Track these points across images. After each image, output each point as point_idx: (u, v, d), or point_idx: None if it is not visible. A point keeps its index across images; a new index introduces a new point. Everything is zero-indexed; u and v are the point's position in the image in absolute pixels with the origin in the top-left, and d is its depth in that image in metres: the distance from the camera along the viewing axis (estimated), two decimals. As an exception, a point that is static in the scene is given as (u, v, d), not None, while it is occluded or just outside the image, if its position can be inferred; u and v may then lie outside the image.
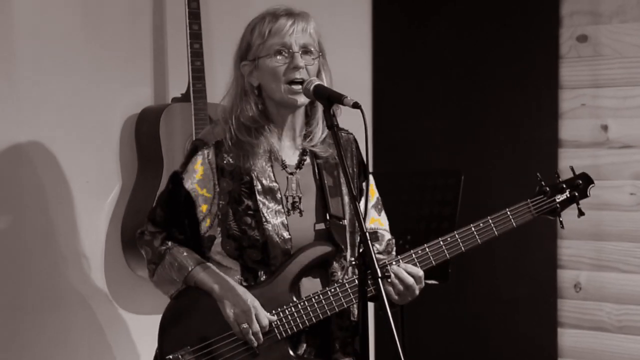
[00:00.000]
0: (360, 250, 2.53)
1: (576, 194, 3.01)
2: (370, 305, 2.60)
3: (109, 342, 3.84)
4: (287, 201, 2.88)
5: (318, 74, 2.85)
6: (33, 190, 3.63)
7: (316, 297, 2.82)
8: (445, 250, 2.90)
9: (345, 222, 2.91)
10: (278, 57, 2.81)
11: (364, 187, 2.99)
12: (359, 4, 4.81)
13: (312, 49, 2.83)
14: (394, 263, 2.84)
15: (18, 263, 3.58)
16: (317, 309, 2.82)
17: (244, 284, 2.86)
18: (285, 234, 2.84)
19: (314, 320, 2.83)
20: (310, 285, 2.87)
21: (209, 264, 2.90)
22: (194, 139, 3.47)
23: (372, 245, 2.53)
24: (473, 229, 2.91)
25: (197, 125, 3.75)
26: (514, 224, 2.93)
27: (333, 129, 2.65)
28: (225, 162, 2.87)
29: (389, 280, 2.79)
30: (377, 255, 2.93)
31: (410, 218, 3.82)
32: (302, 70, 2.80)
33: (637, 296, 4.24)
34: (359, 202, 2.62)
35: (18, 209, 3.60)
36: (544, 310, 4.41)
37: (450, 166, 4.24)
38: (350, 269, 2.92)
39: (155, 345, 2.93)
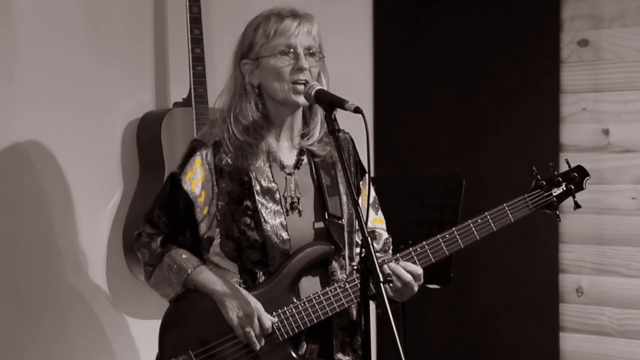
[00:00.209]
0: (362, 254, 2.53)
1: (572, 186, 3.01)
2: (371, 305, 2.60)
3: (110, 347, 3.84)
4: (285, 201, 2.88)
5: (318, 77, 2.86)
6: (35, 194, 3.63)
7: (316, 298, 2.83)
8: (444, 247, 2.90)
9: (344, 221, 2.91)
10: (283, 57, 2.81)
11: (361, 186, 2.99)
12: (360, 7, 4.81)
13: (316, 51, 2.84)
14: (393, 261, 2.85)
15: (19, 267, 3.58)
16: (318, 310, 2.82)
17: (243, 285, 2.86)
18: (284, 235, 2.84)
19: (315, 321, 2.83)
20: (310, 284, 2.87)
21: (209, 265, 2.90)
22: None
23: (371, 239, 2.54)
24: (471, 224, 2.92)
25: (198, 130, 3.76)
26: (512, 218, 2.94)
27: (335, 133, 2.66)
28: (223, 162, 2.86)
29: (391, 285, 2.80)
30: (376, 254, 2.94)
31: (412, 222, 3.83)
32: (306, 72, 2.81)
33: (639, 301, 4.24)
34: (359, 206, 2.61)
35: (20, 213, 3.60)
36: (545, 315, 4.41)
37: (452, 170, 4.24)
38: (349, 267, 2.92)
39: (156, 348, 2.93)
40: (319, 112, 2.91)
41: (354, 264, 2.90)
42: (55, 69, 3.66)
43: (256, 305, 2.81)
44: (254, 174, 2.86)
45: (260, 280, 2.86)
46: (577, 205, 3.02)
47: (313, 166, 2.94)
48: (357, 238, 2.96)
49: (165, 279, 2.90)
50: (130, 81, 3.88)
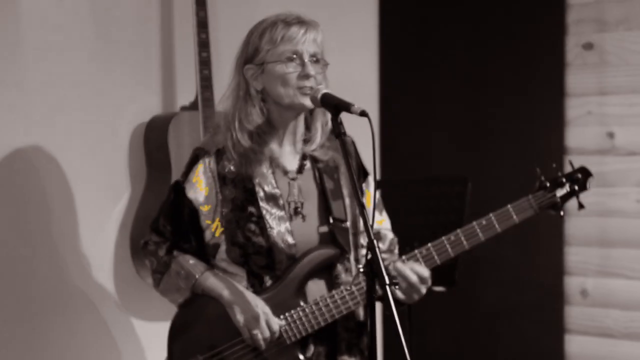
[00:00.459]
0: (368, 256, 2.54)
1: (576, 187, 3.02)
2: (378, 306, 2.61)
3: (118, 349, 3.85)
4: (289, 207, 2.89)
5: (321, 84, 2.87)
6: (43, 197, 3.64)
7: (323, 301, 2.84)
8: (449, 248, 2.91)
9: (348, 224, 2.92)
10: (289, 63, 2.81)
11: (364, 188, 2.99)
12: (365, 11, 4.82)
13: (320, 59, 2.85)
14: (400, 261, 2.86)
15: (28, 270, 3.60)
16: (325, 312, 2.84)
17: (250, 289, 2.87)
18: (290, 240, 2.86)
19: (322, 323, 2.84)
20: (316, 288, 2.89)
21: (215, 270, 2.91)
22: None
23: (377, 242, 2.55)
24: (476, 225, 2.93)
25: (205, 134, 3.77)
26: (516, 219, 2.95)
27: (341, 137, 2.67)
28: (226, 170, 2.88)
29: (397, 287, 2.81)
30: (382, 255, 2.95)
31: (417, 225, 3.83)
32: (312, 79, 2.81)
33: (644, 303, 4.26)
34: (365, 209, 2.62)
35: (28, 217, 3.61)
36: (550, 317, 4.42)
37: (457, 173, 4.24)
38: (355, 269, 2.94)
39: (165, 352, 2.95)
40: (320, 118, 2.92)
41: (360, 266, 2.91)
42: (63, 73, 3.67)
43: (264, 308, 2.82)
44: (257, 180, 2.87)
45: (267, 285, 2.87)
46: (580, 206, 3.02)
47: (316, 171, 2.95)
48: (363, 240, 2.97)
49: (173, 285, 2.92)
50: (138, 85, 3.89)
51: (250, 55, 2.87)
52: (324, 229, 2.90)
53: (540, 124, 4.42)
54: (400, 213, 3.22)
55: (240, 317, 2.84)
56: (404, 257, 2.90)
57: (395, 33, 4.83)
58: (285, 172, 2.91)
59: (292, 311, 2.85)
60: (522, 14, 4.47)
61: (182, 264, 2.90)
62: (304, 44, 2.82)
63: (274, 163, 2.90)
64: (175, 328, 2.93)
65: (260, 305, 2.82)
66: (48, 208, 3.66)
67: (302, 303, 2.86)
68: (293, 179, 2.91)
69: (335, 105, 2.71)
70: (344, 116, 2.71)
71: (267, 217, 2.85)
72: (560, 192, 3.01)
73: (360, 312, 2.93)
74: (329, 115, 2.85)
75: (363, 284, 2.81)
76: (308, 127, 2.95)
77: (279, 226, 2.85)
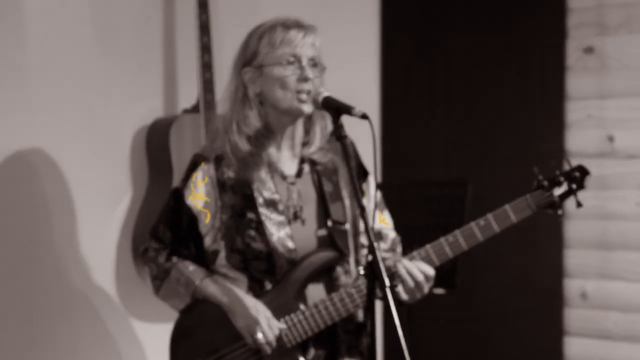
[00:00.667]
0: (369, 259, 2.55)
1: (574, 185, 3.01)
2: (378, 308, 2.63)
3: (119, 351, 3.86)
4: (288, 211, 2.90)
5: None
6: (45, 199, 3.65)
7: (323, 304, 2.84)
8: (448, 249, 2.91)
9: (347, 226, 2.93)
10: (288, 67, 2.82)
11: (364, 189, 2.99)
12: (366, 14, 4.83)
13: (318, 62, 2.86)
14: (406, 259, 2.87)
15: (29, 271, 3.60)
16: (325, 315, 2.84)
17: (251, 293, 2.88)
18: (290, 244, 2.86)
19: (322, 326, 2.85)
20: (315, 291, 2.89)
21: (216, 276, 2.92)
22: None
23: (378, 244, 2.56)
24: (474, 226, 2.92)
25: (206, 137, 3.78)
26: (514, 219, 2.94)
27: (342, 140, 2.68)
28: (225, 176, 2.88)
29: (396, 286, 2.82)
30: (383, 254, 2.96)
31: (417, 228, 3.83)
32: (310, 82, 2.82)
33: (644, 306, 4.27)
34: (365, 212, 2.62)
35: (29, 218, 3.62)
36: (550, 319, 4.42)
37: (457, 176, 4.25)
38: (354, 271, 2.94)
39: (166, 353, 2.96)
40: (319, 121, 2.93)
41: (360, 268, 2.92)
42: (65, 75, 3.68)
43: (265, 312, 2.83)
44: (256, 185, 2.87)
45: (267, 289, 2.88)
46: (579, 204, 3.02)
47: (315, 174, 2.95)
48: (364, 240, 2.98)
49: (173, 291, 2.93)
50: (140, 88, 3.90)
51: (249, 58, 2.87)
52: (322, 232, 2.90)
53: (540, 127, 4.43)
54: (401, 216, 3.22)
55: (241, 322, 2.84)
56: (403, 258, 2.90)
57: (396, 37, 4.84)
58: (284, 177, 2.91)
59: (292, 314, 2.85)
60: (523, 17, 4.48)
61: (181, 270, 2.91)
62: (302, 47, 2.83)
63: (273, 168, 2.90)
64: (177, 333, 2.94)
65: (261, 309, 2.83)
66: (50, 210, 3.67)
67: (302, 306, 2.86)
68: (292, 184, 2.92)
69: (336, 108, 2.71)
70: (345, 119, 2.72)
71: (267, 222, 2.86)
72: (558, 191, 3.00)
73: (360, 314, 2.93)
74: (328, 119, 2.86)
75: (362, 286, 2.82)
76: (307, 130, 2.95)
77: (278, 231, 2.86)
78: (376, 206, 2.93)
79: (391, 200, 3.18)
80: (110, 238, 3.83)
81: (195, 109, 3.84)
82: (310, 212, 2.92)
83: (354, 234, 2.96)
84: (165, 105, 3.96)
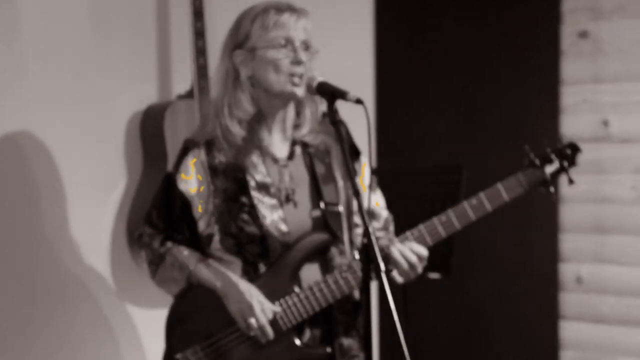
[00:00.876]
0: (363, 241, 2.55)
1: (565, 163, 3.01)
2: (373, 289, 2.63)
3: (114, 336, 3.86)
4: (280, 194, 2.90)
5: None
6: (39, 185, 3.65)
7: (317, 286, 2.85)
8: (441, 229, 2.91)
9: (341, 207, 2.93)
10: (281, 49, 2.82)
11: (356, 168, 2.99)
12: (360, -2, 4.83)
13: (310, 46, 2.86)
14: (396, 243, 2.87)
15: (23, 258, 3.60)
16: (320, 297, 2.85)
17: (245, 277, 2.88)
18: (283, 227, 2.87)
19: (317, 308, 2.85)
20: (310, 272, 2.89)
21: (210, 260, 2.92)
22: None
23: (373, 227, 2.56)
24: (466, 205, 2.92)
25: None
26: (506, 197, 2.94)
27: (337, 125, 2.68)
28: (217, 160, 2.88)
29: (392, 270, 2.83)
30: (377, 233, 2.96)
31: (412, 214, 3.83)
32: (303, 65, 2.82)
33: (639, 289, 4.27)
34: (360, 195, 2.62)
35: (23, 205, 3.62)
36: (545, 304, 4.43)
37: (452, 162, 4.25)
38: (349, 251, 2.95)
39: (161, 338, 2.96)
40: (309, 104, 2.92)
41: (355, 252, 2.92)
42: (59, 61, 3.67)
43: (258, 296, 2.84)
44: (248, 169, 2.88)
45: (262, 272, 2.88)
46: (570, 181, 3.01)
47: (307, 156, 2.95)
48: (357, 219, 2.98)
49: (169, 276, 2.93)
50: (133, 73, 3.89)
51: (241, 40, 2.87)
52: (317, 213, 2.90)
53: (535, 112, 4.43)
54: (396, 202, 3.22)
55: (235, 306, 2.85)
56: (395, 239, 2.90)
57: (390, 22, 4.83)
58: (276, 160, 2.91)
59: (287, 297, 2.86)
60: (518, 2, 4.48)
61: (176, 255, 2.92)
62: (295, 30, 2.83)
63: (264, 151, 2.90)
64: (172, 319, 2.95)
65: (254, 294, 2.83)
66: (45, 195, 3.66)
67: (296, 289, 2.87)
68: (284, 166, 2.92)
69: (331, 93, 2.71)
70: (339, 106, 2.71)
71: (259, 206, 2.86)
72: (549, 169, 3.00)
73: (356, 293, 2.93)
74: (319, 102, 2.87)
75: (357, 268, 2.83)
76: (298, 112, 2.95)
77: (271, 215, 2.86)
78: (370, 188, 2.93)
79: (386, 186, 3.18)
80: (105, 223, 3.83)
81: (189, 95, 3.84)
82: (303, 194, 2.92)
83: (347, 215, 2.96)
84: (159, 91, 3.96)
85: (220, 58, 2.93)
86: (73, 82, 3.71)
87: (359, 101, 2.64)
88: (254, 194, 2.87)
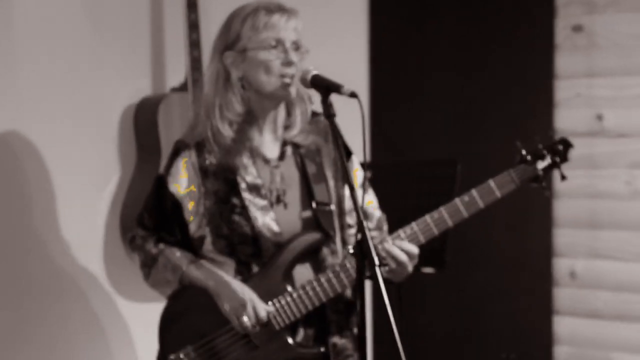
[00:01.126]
0: (357, 237, 2.54)
1: (557, 159, 3.01)
2: (367, 286, 2.63)
3: (107, 330, 3.86)
4: (271, 195, 2.89)
5: None
6: (32, 180, 3.64)
7: (310, 285, 2.84)
8: (433, 226, 2.90)
9: (332, 206, 2.93)
10: (272, 51, 2.81)
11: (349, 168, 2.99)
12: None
13: (301, 46, 2.85)
14: (388, 241, 2.86)
15: (16, 254, 3.60)
16: (312, 296, 2.84)
17: (239, 277, 2.87)
18: (275, 228, 2.86)
19: (310, 307, 2.85)
20: (303, 272, 2.89)
21: (202, 261, 2.91)
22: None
23: (367, 223, 2.55)
24: (458, 202, 2.92)
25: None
26: (498, 194, 2.94)
27: (331, 119, 2.67)
28: (207, 162, 2.87)
29: (386, 265, 2.82)
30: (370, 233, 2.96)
31: (407, 208, 3.82)
32: (294, 66, 2.82)
33: (633, 285, 4.27)
34: (355, 191, 2.62)
35: (16, 199, 3.61)
36: (539, 299, 4.43)
37: (446, 156, 4.25)
38: (341, 251, 2.94)
39: (154, 333, 2.95)
40: (299, 105, 2.91)
41: (349, 247, 2.91)
42: (52, 54, 3.67)
43: (250, 295, 2.83)
44: (238, 171, 2.87)
45: (255, 272, 2.88)
46: (562, 177, 3.01)
47: (298, 156, 2.94)
48: (349, 219, 2.98)
49: (162, 278, 2.93)
50: (127, 66, 3.89)
51: (231, 42, 2.86)
52: (307, 214, 2.90)
53: (529, 106, 4.42)
54: (390, 196, 3.21)
55: (227, 305, 2.84)
56: (388, 237, 2.89)
57: (385, 16, 4.82)
58: (267, 161, 2.91)
59: (280, 297, 2.85)
60: (512, -4, 4.48)
61: (168, 257, 2.91)
62: (286, 31, 2.82)
63: (255, 152, 2.90)
64: (165, 319, 2.94)
65: (247, 293, 2.83)
66: (38, 190, 3.66)
67: (289, 288, 2.86)
68: (275, 167, 2.91)
69: (325, 87, 2.71)
70: (333, 100, 2.71)
71: (251, 207, 2.86)
72: (541, 165, 2.99)
73: (349, 293, 2.93)
74: (308, 102, 2.87)
75: (349, 266, 2.82)
76: (288, 113, 2.94)
77: (263, 216, 2.86)
78: (364, 187, 2.92)
79: (380, 180, 3.18)
80: (98, 218, 3.82)
81: (183, 88, 3.84)
82: (294, 194, 2.91)
83: (339, 214, 2.95)
84: (153, 84, 3.95)
85: (210, 59, 2.92)
86: (66, 75, 3.70)
87: (353, 94, 2.63)
88: (245, 195, 2.86)
